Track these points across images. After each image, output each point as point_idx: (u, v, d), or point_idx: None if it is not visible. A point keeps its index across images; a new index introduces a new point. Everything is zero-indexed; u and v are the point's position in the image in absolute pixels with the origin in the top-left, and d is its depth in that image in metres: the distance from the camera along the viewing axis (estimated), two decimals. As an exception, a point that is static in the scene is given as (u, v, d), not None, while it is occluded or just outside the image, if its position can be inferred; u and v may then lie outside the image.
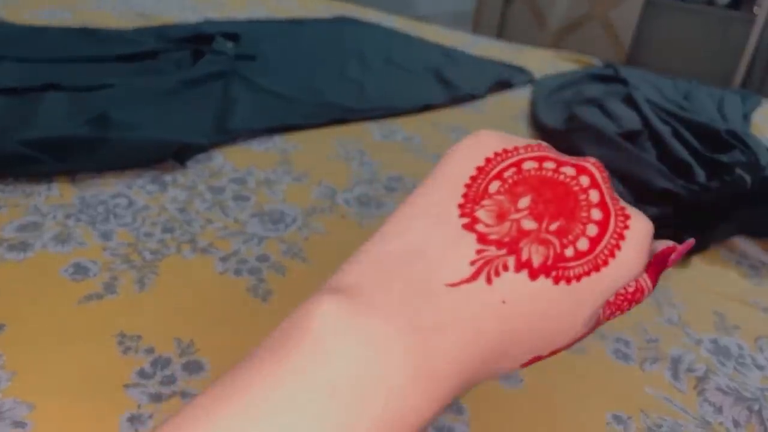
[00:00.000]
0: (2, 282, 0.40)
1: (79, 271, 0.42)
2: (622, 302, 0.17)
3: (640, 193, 0.57)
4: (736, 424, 0.36)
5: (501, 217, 0.16)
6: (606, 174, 0.17)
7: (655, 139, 0.67)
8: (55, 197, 0.51)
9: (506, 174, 0.17)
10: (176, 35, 0.93)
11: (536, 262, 0.16)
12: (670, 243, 0.19)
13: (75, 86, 0.68)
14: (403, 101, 0.82)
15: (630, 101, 0.79)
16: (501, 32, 2.52)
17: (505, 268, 0.16)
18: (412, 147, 0.70)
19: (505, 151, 0.17)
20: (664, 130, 0.68)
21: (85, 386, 0.33)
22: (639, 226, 0.17)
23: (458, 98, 0.87)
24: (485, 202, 0.16)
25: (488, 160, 0.17)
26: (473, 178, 0.17)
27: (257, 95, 0.76)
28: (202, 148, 0.61)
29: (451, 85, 0.89)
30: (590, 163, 0.17)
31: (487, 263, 0.16)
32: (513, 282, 0.15)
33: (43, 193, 0.51)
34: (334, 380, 0.14)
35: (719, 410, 0.37)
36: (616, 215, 0.16)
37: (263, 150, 0.65)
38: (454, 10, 2.49)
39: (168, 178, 0.56)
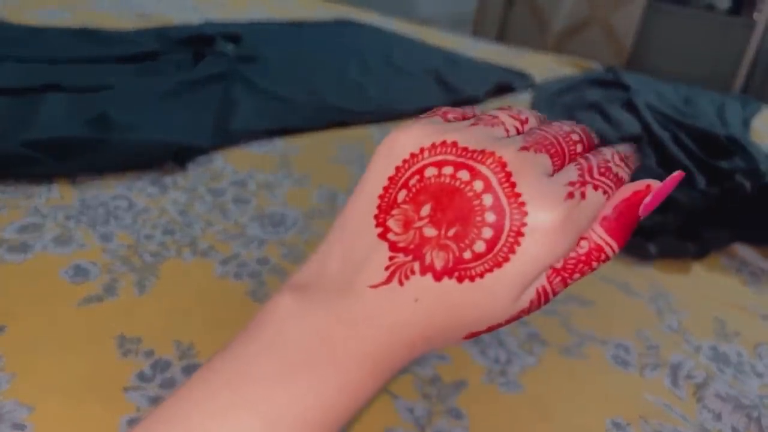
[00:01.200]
0: (2, 283, 0.40)
1: (79, 273, 0.42)
2: (576, 265, 0.19)
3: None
4: (735, 431, 0.36)
5: (407, 225, 0.18)
6: (509, 170, 0.18)
7: (655, 145, 0.67)
8: (55, 199, 0.51)
9: (411, 182, 0.19)
10: (177, 36, 0.93)
11: (438, 265, 0.18)
12: (638, 186, 0.20)
13: (75, 87, 0.68)
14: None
15: (630, 106, 0.79)
16: (501, 35, 2.52)
17: (413, 272, 0.18)
18: (412, 150, 0.70)
19: (413, 155, 0.19)
20: (664, 136, 0.68)
21: (85, 388, 0.33)
22: (540, 218, 0.18)
23: (458, 101, 0.87)
24: (394, 211, 0.19)
25: (398, 169, 0.19)
26: (385, 189, 0.19)
27: (258, 97, 0.76)
28: (203, 150, 0.61)
29: (451, 88, 0.90)
30: (487, 165, 0.18)
31: (397, 268, 0.18)
32: (421, 283, 0.18)
33: (43, 195, 0.51)
34: (292, 356, 0.18)
35: (718, 417, 0.37)
36: (512, 215, 0.18)
37: (264, 153, 0.65)
38: (454, 12, 2.49)
39: (168, 180, 0.56)
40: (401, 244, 0.18)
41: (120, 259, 0.44)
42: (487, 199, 0.18)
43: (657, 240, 0.53)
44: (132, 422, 0.31)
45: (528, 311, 0.19)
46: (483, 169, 0.18)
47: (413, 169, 0.19)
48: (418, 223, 0.18)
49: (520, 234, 0.17)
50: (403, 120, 0.78)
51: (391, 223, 0.19)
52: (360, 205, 0.20)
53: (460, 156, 0.18)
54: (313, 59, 0.96)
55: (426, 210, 0.18)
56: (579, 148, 0.20)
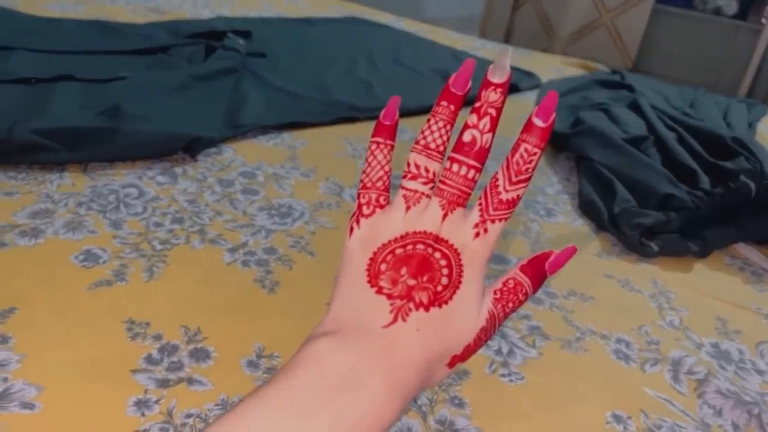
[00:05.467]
0: (14, 266, 0.41)
1: (90, 258, 0.43)
2: (508, 294, 0.28)
3: (644, 198, 0.57)
4: (736, 427, 0.36)
5: (394, 282, 0.26)
6: (443, 236, 0.27)
7: (660, 145, 0.68)
8: (67, 185, 0.52)
9: (387, 258, 0.27)
10: (188, 31, 0.94)
11: (425, 300, 0.26)
12: (546, 251, 0.29)
13: (88, 78, 0.69)
14: (411, 102, 0.82)
15: (636, 107, 0.79)
16: (508, 38, 2.52)
17: (410, 309, 0.25)
18: (418, 147, 0.71)
19: (383, 245, 0.27)
20: (669, 136, 0.68)
21: (93, 370, 0.34)
22: (466, 254, 0.27)
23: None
24: (382, 276, 0.26)
25: (374, 252, 0.27)
26: (369, 266, 0.27)
27: (267, 92, 0.77)
28: (213, 142, 0.62)
29: (458, 87, 0.90)
30: (432, 240, 0.27)
31: (399, 310, 0.25)
32: (417, 316, 0.25)
33: (55, 182, 0.52)
34: (331, 384, 0.23)
35: (719, 413, 0.37)
36: (457, 269, 0.27)
37: (272, 145, 0.66)
38: (461, 14, 2.50)
39: (178, 170, 0.57)
40: (395, 294, 0.26)
41: (130, 246, 0.45)
42: (439, 256, 0.27)
43: (659, 238, 0.53)
44: (139, 404, 0.32)
45: (487, 331, 0.27)
46: (431, 242, 0.27)
47: (387, 251, 0.27)
48: (402, 279, 0.26)
49: (462, 267, 0.27)
50: (410, 117, 0.79)
51: (382, 283, 0.26)
52: (353, 279, 0.27)
53: (418, 240, 0.27)
54: (322, 56, 0.97)
55: (404, 271, 0.26)
56: (477, 176, 0.28)
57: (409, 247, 0.27)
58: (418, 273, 0.26)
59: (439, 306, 0.26)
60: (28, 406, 0.31)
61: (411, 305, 0.25)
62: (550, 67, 1.10)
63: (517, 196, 0.27)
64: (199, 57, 0.82)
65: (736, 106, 0.87)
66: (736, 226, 0.57)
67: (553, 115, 0.26)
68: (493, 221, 0.27)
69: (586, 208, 0.61)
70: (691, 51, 2.25)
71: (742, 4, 2.18)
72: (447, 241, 0.27)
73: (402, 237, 0.27)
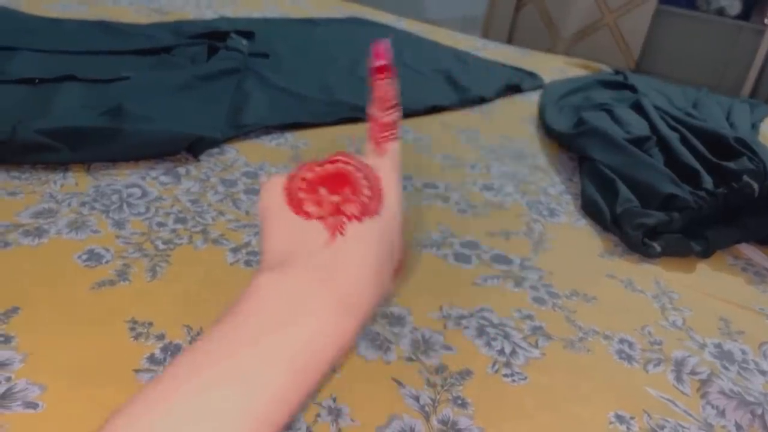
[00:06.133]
0: (17, 266, 0.41)
1: (93, 257, 0.43)
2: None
3: (647, 198, 0.57)
4: (739, 427, 0.36)
5: (318, 204, 0.26)
6: (353, 159, 0.27)
7: (662, 145, 0.68)
8: (70, 185, 0.52)
9: (302, 185, 0.26)
10: (191, 31, 0.94)
11: (356, 212, 0.25)
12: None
13: (91, 78, 0.69)
14: (413, 102, 0.82)
15: (638, 108, 0.79)
16: (511, 39, 2.52)
17: (344, 223, 0.25)
18: (421, 147, 0.71)
19: (293, 175, 0.27)
20: (672, 137, 0.68)
21: (96, 370, 0.34)
22: (385, 179, 0.27)
23: (468, 100, 0.87)
24: (304, 204, 0.26)
25: (287, 186, 0.27)
26: (288, 200, 0.27)
27: (270, 92, 0.77)
28: (216, 142, 0.62)
29: (460, 88, 0.90)
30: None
31: (334, 226, 0.25)
32: (354, 227, 0.25)
33: (58, 181, 0.52)
34: (274, 315, 0.22)
35: (722, 413, 0.37)
36: (375, 179, 0.27)
37: (275, 145, 0.66)
38: (464, 15, 2.49)
39: (181, 170, 0.57)
40: (324, 214, 0.26)
41: (133, 246, 0.45)
42: (353, 168, 0.27)
43: (662, 238, 0.53)
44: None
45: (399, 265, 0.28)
46: (341, 158, 0.27)
47: (298, 178, 0.27)
48: (325, 199, 0.26)
49: (378, 178, 0.27)
50: (413, 118, 0.79)
51: (308, 209, 0.26)
52: (277, 218, 0.27)
53: (326, 162, 0.27)
54: (325, 56, 0.97)
55: (323, 191, 0.26)
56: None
57: (318, 168, 0.27)
58: (339, 188, 0.26)
59: (371, 216, 0.26)
60: (32, 405, 0.31)
61: (343, 219, 0.26)
62: (553, 68, 1.10)
63: (393, 119, 0.30)
64: (202, 57, 0.82)
65: (739, 107, 0.87)
66: (738, 227, 0.57)
67: (387, 53, 0.31)
68: (386, 141, 0.30)
69: (588, 209, 0.61)
70: (694, 51, 2.24)
71: (745, 4, 2.17)
72: (355, 157, 0.28)
73: (308, 163, 0.28)
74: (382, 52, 0.31)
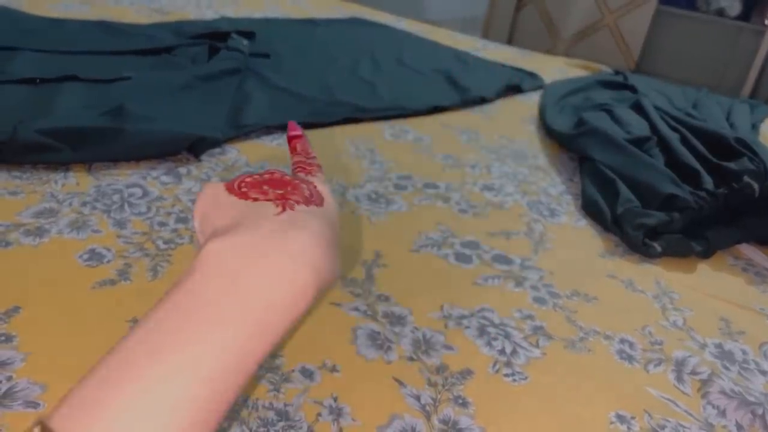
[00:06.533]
0: (18, 266, 0.41)
1: (94, 257, 0.43)
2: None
3: (647, 198, 0.57)
4: (740, 427, 0.36)
5: (263, 193, 0.27)
6: (289, 174, 0.30)
7: (663, 146, 0.68)
8: (71, 185, 0.52)
9: (243, 184, 0.28)
10: (192, 31, 0.94)
11: (300, 199, 0.27)
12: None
13: (92, 78, 0.69)
14: (414, 102, 0.82)
15: (639, 108, 0.79)
16: (511, 39, 2.52)
17: (293, 203, 0.27)
18: (421, 147, 0.71)
19: (233, 179, 0.29)
20: (673, 137, 0.68)
21: (98, 369, 0.34)
22: (321, 187, 0.30)
23: (468, 101, 0.87)
24: (249, 192, 0.27)
25: (227, 186, 0.28)
26: (229, 190, 0.28)
27: (271, 92, 0.77)
28: (217, 142, 0.62)
29: (461, 88, 0.90)
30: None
31: (283, 203, 0.26)
32: (302, 209, 0.27)
33: (59, 181, 0.52)
34: (224, 279, 0.22)
35: (723, 413, 0.37)
36: (312, 186, 0.30)
37: (276, 145, 0.66)
38: (464, 16, 2.50)
39: (182, 169, 0.57)
40: (269, 197, 0.27)
41: (134, 245, 0.45)
42: (290, 179, 0.29)
43: (663, 239, 0.53)
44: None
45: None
46: (278, 172, 0.30)
47: (239, 181, 0.29)
48: (269, 190, 0.27)
49: (316, 187, 0.30)
50: (413, 118, 0.79)
51: (253, 194, 0.27)
52: (217, 207, 0.27)
53: (266, 172, 0.30)
54: (326, 56, 0.97)
55: (266, 187, 0.28)
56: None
57: (256, 175, 0.29)
58: (281, 186, 0.28)
59: (316, 206, 0.27)
60: (33, 404, 0.31)
61: (291, 202, 0.27)
62: (553, 68, 1.10)
63: (316, 162, 0.35)
64: (203, 57, 0.82)
65: (739, 107, 0.87)
66: (739, 227, 0.57)
67: (297, 128, 0.38)
68: (315, 170, 0.34)
69: (589, 209, 0.61)
70: (694, 52, 2.24)
71: (745, 5, 2.17)
72: (287, 172, 0.31)
73: (251, 176, 0.30)
74: (294, 127, 0.37)
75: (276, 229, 0.24)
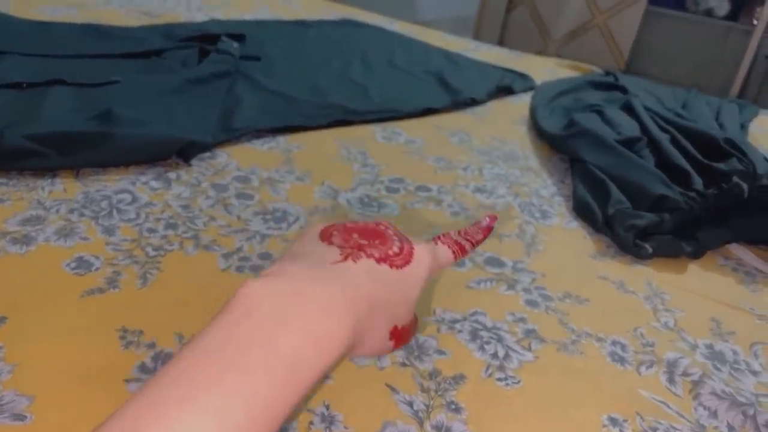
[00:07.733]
0: (5, 274, 0.41)
1: (82, 265, 0.43)
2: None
3: (637, 199, 0.57)
4: (731, 428, 0.36)
5: (346, 240, 0.27)
6: (396, 229, 0.31)
7: (653, 146, 0.68)
8: (58, 192, 0.51)
9: (339, 227, 0.29)
10: (182, 34, 0.93)
11: (376, 255, 0.27)
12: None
13: (80, 82, 0.69)
14: (405, 104, 0.82)
15: (629, 109, 0.80)
16: (502, 39, 2.53)
17: (360, 256, 0.26)
18: (413, 149, 0.71)
19: (335, 222, 0.30)
20: (663, 138, 0.68)
21: (86, 380, 0.33)
22: (419, 253, 0.30)
23: (460, 102, 0.87)
24: (333, 238, 0.28)
25: (326, 226, 0.29)
26: (321, 233, 0.29)
27: (262, 95, 0.77)
28: (207, 146, 0.61)
29: (452, 89, 0.90)
30: (383, 225, 0.30)
31: (349, 254, 0.26)
32: (368, 263, 0.26)
33: (46, 188, 0.52)
34: (261, 321, 0.22)
35: (714, 415, 0.37)
36: (408, 246, 0.30)
37: (267, 149, 0.65)
38: (455, 16, 2.50)
39: (172, 175, 0.57)
40: (346, 246, 0.27)
41: (123, 252, 0.45)
42: (391, 233, 0.30)
43: (653, 239, 0.53)
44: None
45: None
46: (384, 222, 0.31)
47: (338, 224, 0.29)
48: (353, 239, 0.28)
49: (413, 249, 0.29)
50: (405, 120, 0.79)
51: (334, 240, 0.28)
52: (303, 241, 0.28)
53: (369, 221, 0.31)
54: (317, 58, 0.97)
55: (355, 235, 0.28)
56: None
57: (366, 224, 0.29)
58: (370, 237, 0.28)
59: (390, 266, 0.27)
60: (20, 417, 0.30)
61: (362, 254, 0.26)
62: (544, 69, 1.11)
63: (466, 246, 0.34)
64: (193, 60, 0.81)
65: (727, 107, 0.88)
66: (728, 227, 0.57)
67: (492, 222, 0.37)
68: (452, 245, 0.33)
69: (580, 210, 0.61)
70: (683, 52, 2.26)
71: (733, 5, 2.19)
72: (397, 229, 0.31)
73: (357, 222, 0.30)
74: (492, 222, 0.37)
75: (316, 277, 0.24)
